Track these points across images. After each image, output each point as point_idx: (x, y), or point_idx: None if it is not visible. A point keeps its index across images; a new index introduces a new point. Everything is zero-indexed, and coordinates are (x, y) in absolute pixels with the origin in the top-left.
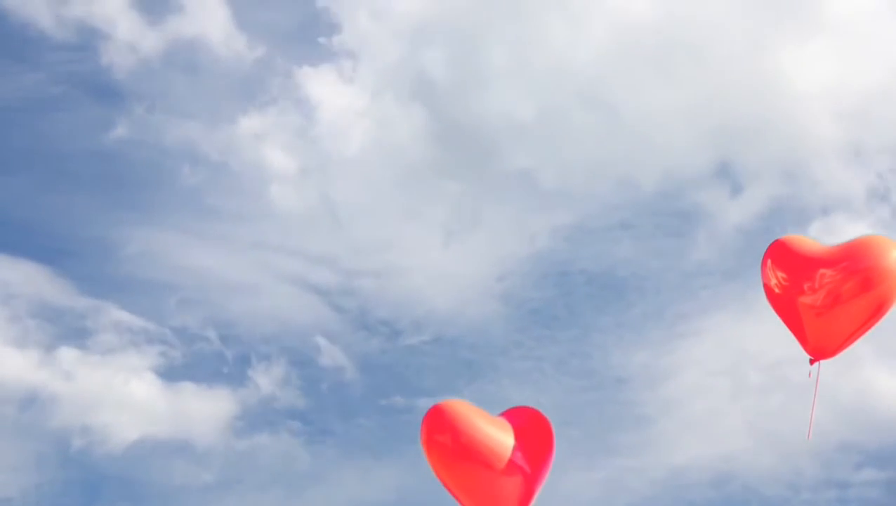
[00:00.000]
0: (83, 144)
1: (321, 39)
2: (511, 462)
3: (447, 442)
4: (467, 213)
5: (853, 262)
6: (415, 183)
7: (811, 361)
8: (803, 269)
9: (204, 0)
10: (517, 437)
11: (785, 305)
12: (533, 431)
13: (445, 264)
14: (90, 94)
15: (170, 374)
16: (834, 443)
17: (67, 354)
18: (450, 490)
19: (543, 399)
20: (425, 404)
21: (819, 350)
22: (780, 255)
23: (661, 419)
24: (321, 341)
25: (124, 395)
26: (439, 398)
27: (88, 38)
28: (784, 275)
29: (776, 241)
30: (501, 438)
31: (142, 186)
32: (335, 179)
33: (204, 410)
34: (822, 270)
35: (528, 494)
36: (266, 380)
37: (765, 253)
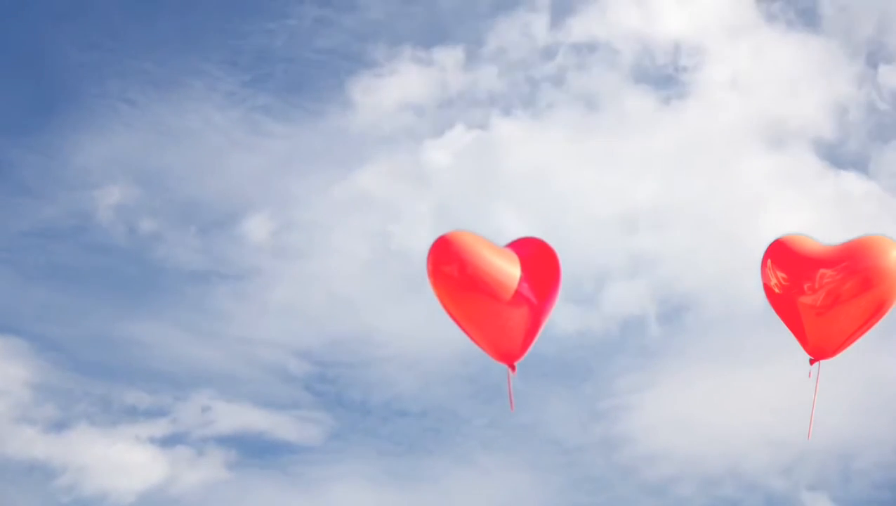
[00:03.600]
0: (87, 260)
1: None
2: (518, 293)
3: (453, 273)
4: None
5: (853, 261)
6: (388, 285)
7: (811, 362)
8: (803, 269)
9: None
10: (523, 267)
11: (785, 306)
12: (539, 261)
13: (415, 353)
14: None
15: (167, 441)
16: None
17: (72, 430)
18: (457, 322)
19: (513, 459)
20: (396, 461)
21: (819, 350)
22: (780, 255)
23: (619, 484)
24: (300, 416)
25: (124, 461)
26: (411, 456)
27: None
28: (784, 275)
29: (776, 240)
30: (508, 268)
31: (140, 290)
32: (315, 285)
33: (198, 470)
34: (822, 270)
35: (534, 325)
36: (251, 445)
37: (765, 253)
